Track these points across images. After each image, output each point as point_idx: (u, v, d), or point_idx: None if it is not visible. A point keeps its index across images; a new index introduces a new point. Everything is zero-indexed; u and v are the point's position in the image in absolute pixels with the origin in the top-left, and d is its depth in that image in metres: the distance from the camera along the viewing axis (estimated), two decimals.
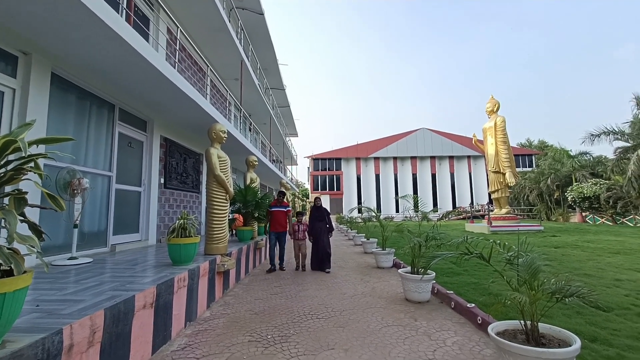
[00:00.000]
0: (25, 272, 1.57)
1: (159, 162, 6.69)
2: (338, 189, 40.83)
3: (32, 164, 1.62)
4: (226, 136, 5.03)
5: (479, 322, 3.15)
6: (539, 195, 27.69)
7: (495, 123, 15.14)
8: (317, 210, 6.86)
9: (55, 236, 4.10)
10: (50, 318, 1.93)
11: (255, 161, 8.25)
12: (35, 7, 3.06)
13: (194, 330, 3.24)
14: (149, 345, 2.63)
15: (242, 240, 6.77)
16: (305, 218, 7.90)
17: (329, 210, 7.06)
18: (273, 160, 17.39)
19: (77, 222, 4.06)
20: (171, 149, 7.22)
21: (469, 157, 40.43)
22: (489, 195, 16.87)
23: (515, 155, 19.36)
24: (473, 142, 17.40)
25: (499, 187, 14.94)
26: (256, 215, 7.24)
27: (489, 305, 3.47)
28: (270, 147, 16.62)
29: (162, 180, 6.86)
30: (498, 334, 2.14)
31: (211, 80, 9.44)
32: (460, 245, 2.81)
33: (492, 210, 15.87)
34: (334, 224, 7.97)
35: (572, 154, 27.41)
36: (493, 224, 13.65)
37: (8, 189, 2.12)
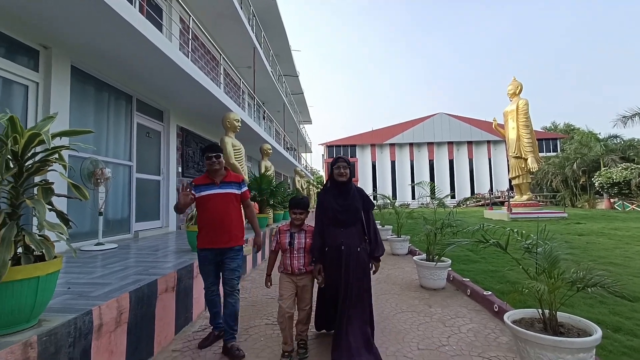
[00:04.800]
0: (55, 257, 1.67)
1: (176, 151, 6.84)
2: (353, 175, 40.37)
3: (56, 156, 1.69)
4: (240, 125, 5.07)
5: (496, 309, 3.12)
6: (563, 181, 26.52)
7: (517, 106, 14.48)
8: (341, 192, 2.57)
9: (82, 223, 4.32)
10: (81, 299, 2.06)
11: (270, 149, 8.30)
12: (54, 2, 3.13)
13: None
14: (172, 326, 2.77)
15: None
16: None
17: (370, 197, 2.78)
18: (287, 148, 17.43)
19: (102, 210, 4.25)
20: (187, 139, 7.36)
21: (488, 142, 39.05)
22: (510, 181, 16.34)
23: (538, 139, 18.52)
24: (493, 126, 16.77)
25: (521, 173, 14.42)
26: (271, 202, 7.35)
27: (506, 293, 3.42)
28: (284, 135, 16.64)
29: (180, 169, 7.04)
30: (514, 322, 2.11)
31: (224, 69, 9.46)
32: (476, 232, 2.75)
33: (512, 197, 15.41)
34: None
35: (600, 137, 25.97)
36: (513, 211, 13.27)
37: (36, 179, 2.23)
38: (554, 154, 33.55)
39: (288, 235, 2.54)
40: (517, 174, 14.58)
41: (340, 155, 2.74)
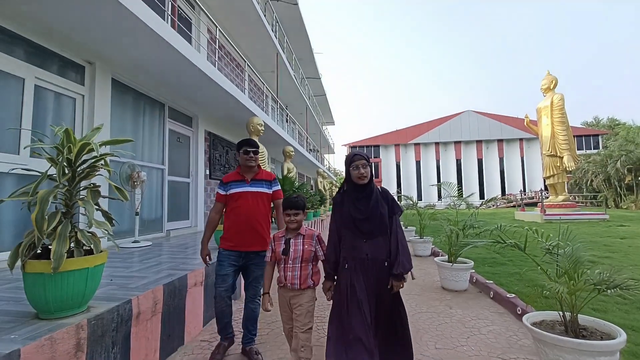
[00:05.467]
0: (101, 251, 1.90)
1: (204, 155, 7.21)
2: (376, 176, 40.15)
3: (102, 162, 1.93)
4: (263, 129, 5.28)
5: (519, 312, 3.05)
6: (605, 181, 24.63)
7: (552, 101, 13.73)
8: (362, 196, 2.03)
9: (121, 222, 4.70)
10: (122, 290, 2.30)
11: (292, 151, 8.50)
12: (98, 22, 3.48)
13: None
14: (201, 318, 2.99)
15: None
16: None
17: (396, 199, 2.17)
18: (310, 149, 17.65)
19: (138, 210, 4.61)
20: (214, 143, 7.73)
21: (520, 139, 37.09)
22: (544, 181, 15.48)
23: (576, 136, 17.43)
24: (525, 123, 16.01)
25: (556, 172, 13.65)
26: None
27: (531, 296, 3.32)
28: (307, 137, 16.86)
29: (208, 172, 7.41)
30: (534, 324, 2.08)
31: (249, 75, 9.81)
32: (493, 232, 2.72)
33: (546, 198, 14.60)
34: None
35: None
36: (547, 212, 12.58)
37: (84, 183, 2.52)
38: (595, 151, 31.25)
39: (283, 242, 2.12)
40: (551, 173, 13.81)
41: (357, 152, 2.08)
